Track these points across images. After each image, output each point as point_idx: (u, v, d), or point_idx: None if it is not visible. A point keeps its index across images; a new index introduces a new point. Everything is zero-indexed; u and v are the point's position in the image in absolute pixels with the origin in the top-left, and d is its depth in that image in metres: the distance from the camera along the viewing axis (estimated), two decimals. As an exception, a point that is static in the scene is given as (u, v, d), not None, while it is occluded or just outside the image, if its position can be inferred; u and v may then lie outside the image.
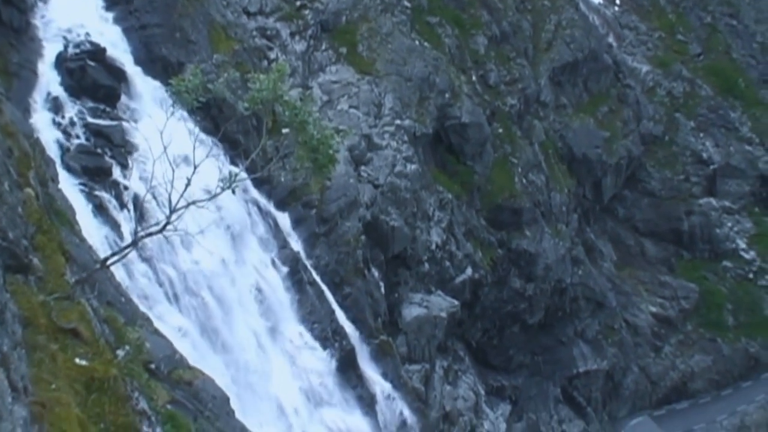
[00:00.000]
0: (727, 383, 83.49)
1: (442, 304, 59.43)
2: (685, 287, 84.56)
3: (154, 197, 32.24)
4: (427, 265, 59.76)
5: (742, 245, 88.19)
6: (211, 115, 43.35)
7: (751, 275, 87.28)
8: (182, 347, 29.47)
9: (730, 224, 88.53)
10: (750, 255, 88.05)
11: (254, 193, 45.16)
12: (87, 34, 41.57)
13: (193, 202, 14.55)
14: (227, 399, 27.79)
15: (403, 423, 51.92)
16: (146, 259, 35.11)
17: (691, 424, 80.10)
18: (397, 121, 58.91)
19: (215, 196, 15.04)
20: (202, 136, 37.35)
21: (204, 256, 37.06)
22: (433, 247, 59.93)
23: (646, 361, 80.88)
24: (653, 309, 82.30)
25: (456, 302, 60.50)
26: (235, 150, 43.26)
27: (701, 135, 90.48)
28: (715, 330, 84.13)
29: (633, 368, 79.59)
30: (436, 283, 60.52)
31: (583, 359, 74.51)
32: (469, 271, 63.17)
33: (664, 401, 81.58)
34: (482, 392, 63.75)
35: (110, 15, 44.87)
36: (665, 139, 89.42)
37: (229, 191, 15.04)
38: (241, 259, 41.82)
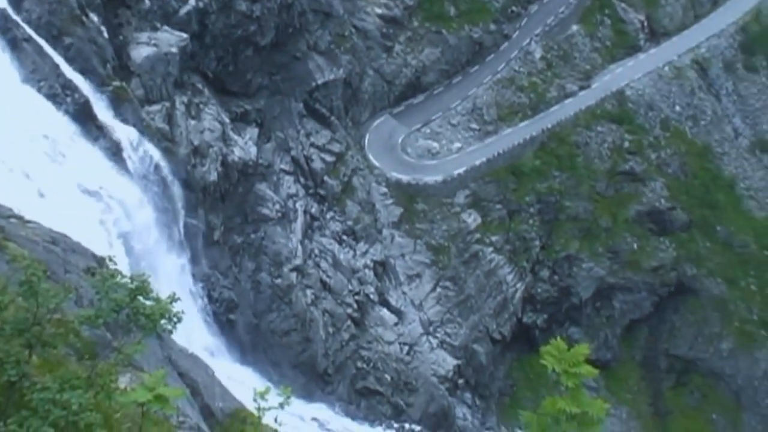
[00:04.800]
0: (456, 71, 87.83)
1: (170, 39, 57.94)
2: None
3: None
4: (147, 2, 57.52)
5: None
6: None
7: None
8: None
9: None
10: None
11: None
12: None
13: None
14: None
15: (154, 165, 51.77)
16: None
17: (429, 115, 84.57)
18: None
19: None
20: None
21: None
22: (150, -19, 57.47)
23: (380, 63, 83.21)
24: (379, 11, 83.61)
25: (184, 35, 59.15)
26: None
27: None
28: (439, 22, 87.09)
29: (368, 72, 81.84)
30: (161, 18, 58.61)
31: (319, 71, 75.62)
32: (192, 0, 61.34)
33: (402, 98, 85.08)
34: (227, 120, 63.91)
35: None
36: None
37: None
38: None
